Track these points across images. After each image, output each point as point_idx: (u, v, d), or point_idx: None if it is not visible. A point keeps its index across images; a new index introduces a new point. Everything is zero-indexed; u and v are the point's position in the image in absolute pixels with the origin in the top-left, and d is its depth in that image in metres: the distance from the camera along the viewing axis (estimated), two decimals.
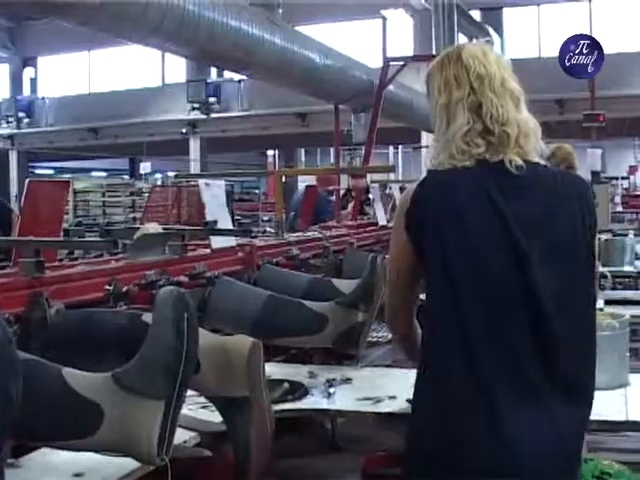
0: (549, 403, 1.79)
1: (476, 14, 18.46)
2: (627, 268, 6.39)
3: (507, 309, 1.79)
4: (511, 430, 1.74)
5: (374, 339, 4.05)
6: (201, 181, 4.04)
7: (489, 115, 1.90)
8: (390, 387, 2.86)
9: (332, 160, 19.20)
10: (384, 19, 19.88)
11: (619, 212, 12.01)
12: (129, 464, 2.02)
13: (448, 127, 1.92)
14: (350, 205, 8.66)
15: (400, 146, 22.32)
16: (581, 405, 1.86)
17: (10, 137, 23.03)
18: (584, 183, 1.99)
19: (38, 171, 26.66)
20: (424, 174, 1.96)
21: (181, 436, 2.23)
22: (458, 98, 1.92)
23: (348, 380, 3.06)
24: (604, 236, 6.85)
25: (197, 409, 2.60)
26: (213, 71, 21.77)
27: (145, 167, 17.84)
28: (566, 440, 1.81)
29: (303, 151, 25.40)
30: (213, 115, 20.64)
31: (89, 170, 28.03)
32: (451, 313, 1.80)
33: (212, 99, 20.60)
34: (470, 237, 1.82)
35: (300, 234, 5.22)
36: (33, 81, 25.78)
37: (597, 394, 2.73)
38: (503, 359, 1.77)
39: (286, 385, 2.90)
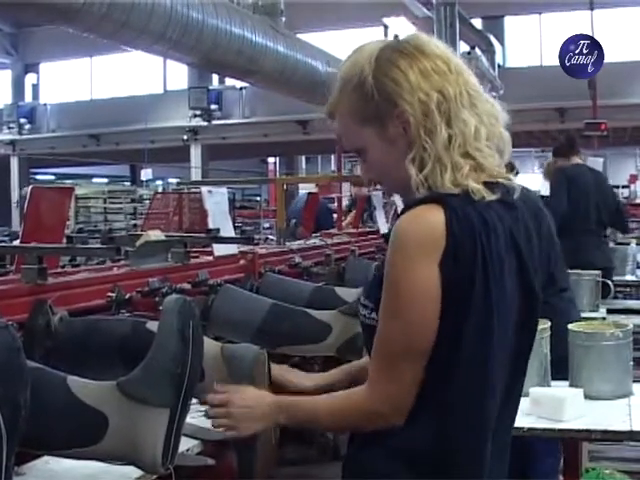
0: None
1: (477, 22, 18.47)
2: (629, 277, 6.41)
3: (513, 369, 1.55)
4: None
5: None
6: (204, 188, 4.05)
7: (485, 115, 1.53)
8: None
9: (333, 167, 19.21)
10: (386, 27, 19.90)
11: None
12: (132, 472, 2.01)
13: (452, 131, 1.49)
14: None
15: None
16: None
17: (11, 143, 23.02)
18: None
19: (39, 177, 26.66)
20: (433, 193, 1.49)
21: (184, 444, 2.22)
22: (453, 95, 1.50)
23: None
24: None
25: (200, 417, 2.59)
26: (215, 78, 21.79)
27: (146, 174, 17.86)
28: None
29: (304, 158, 25.41)
30: (214, 122, 20.65)
31: (90, 176, 28.05)
32: (480, 384, 1.46)
33: (213, 106, 20.60)
34: (507, 293, 1.48)
35: (302, 242, 5.23)
36: (35, 87, 25.80)
37: (601, 403, 2.76)
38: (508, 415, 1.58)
39: None
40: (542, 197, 5.01)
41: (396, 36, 1.59)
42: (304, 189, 10.38)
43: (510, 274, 1.49)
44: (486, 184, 1.50)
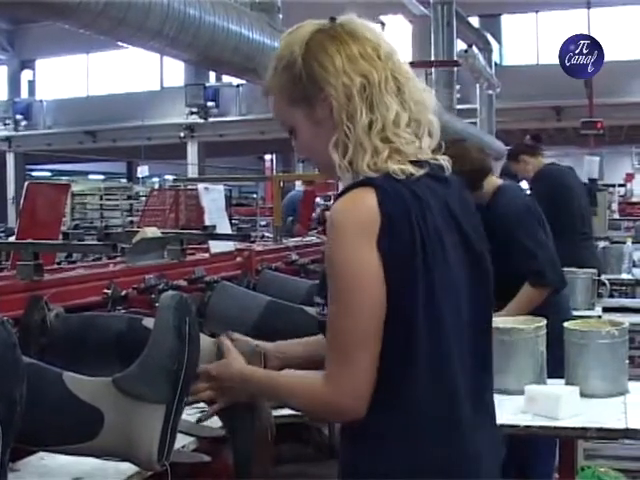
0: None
1: (475, 21, 18.49)
2: (625, 276, 6.41)
3: (473, 340, 1.53)
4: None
5: None
6: (200, 186, 4.05)
7: (412, 101, 1.53)
8: None
9: None
10: (383, 25, 19.91)
11: (616, 219, 12.02)
12: (127, 469, 2.01)
13: (373, 116, 1.49)
14: None
15: None
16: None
17: (7, 139, 23.03)
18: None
19: (35, 173, 26.63)
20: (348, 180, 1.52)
21: (179, 441, 2.22)
22: (378, 80, 1.50)
23: None
24: (602, 243, 6.88)
25: (196, 414, 2.59)
26: (212, 75, 21.80)
27: (143, 170, 17.83)
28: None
29: None
30: (211, 119, 20.65)
31: (86, 173, 28.01)
32: (434, 358, 1.46)
33: (210, 103, 20.61)
34: (450, 265, 1.48)
35: (299, 239, 5.23)
36: (31, 83, 25.81)
37: (596, 401, 2.76)
38: (470, 386, 1.52)
39: None
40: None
41: (333, 19, 1.59)
42: (301, 187, 10.37)
43: (453, 246, 1.49)
44: (413, 163, 1.50)
